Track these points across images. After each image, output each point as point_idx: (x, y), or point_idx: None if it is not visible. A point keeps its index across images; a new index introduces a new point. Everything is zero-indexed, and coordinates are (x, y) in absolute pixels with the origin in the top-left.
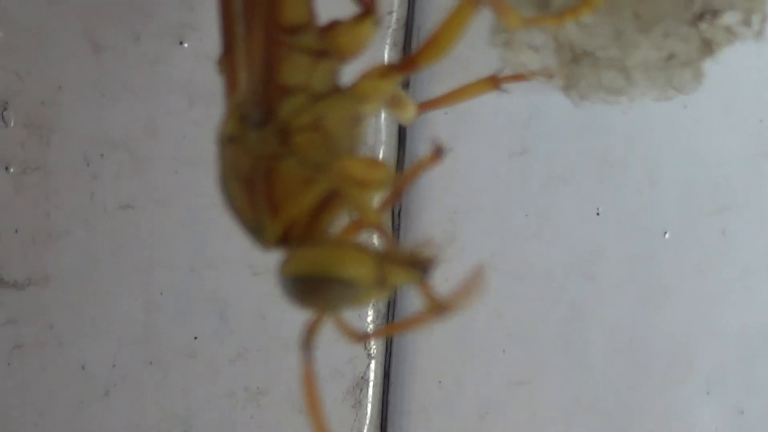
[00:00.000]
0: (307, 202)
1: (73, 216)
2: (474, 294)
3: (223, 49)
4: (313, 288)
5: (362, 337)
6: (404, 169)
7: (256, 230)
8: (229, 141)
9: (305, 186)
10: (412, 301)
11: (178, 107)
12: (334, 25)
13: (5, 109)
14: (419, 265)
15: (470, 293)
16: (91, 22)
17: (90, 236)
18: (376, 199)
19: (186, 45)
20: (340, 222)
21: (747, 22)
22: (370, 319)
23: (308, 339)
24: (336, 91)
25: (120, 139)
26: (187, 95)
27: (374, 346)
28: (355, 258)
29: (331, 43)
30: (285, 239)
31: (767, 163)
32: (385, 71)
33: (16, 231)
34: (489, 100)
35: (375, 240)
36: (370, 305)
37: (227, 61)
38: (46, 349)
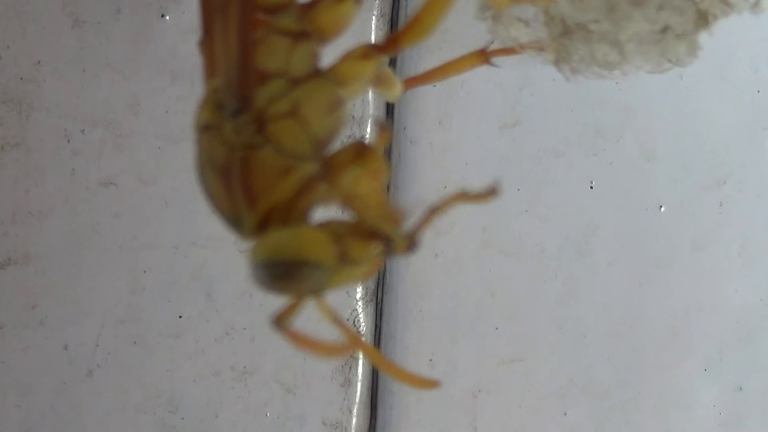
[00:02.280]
0: (283, 192)
1: (54, 193)
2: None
3: (203, 32)
4: (276, 273)
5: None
6: (392, 143)
7: (234, 221)
8: (204, 129)
9: (282, 176)
10: (401, 280)
11: (161, 82)
12: (314, 3)
13: None
14: (386, 237)
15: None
16: None
17: (72, 214)
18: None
19: (168, 18)
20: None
21: None
22: (359, 296)
23: (281, 322)
24: (315, 74)
25: (101, 115)
26: (170, 70)
27: (363, 324)
28: (309, 237)
29: (311, 23)
30: (263, 229)
31: (765, 134)
32: (367, 52)
33: None
34: (479, 72)
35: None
36: (358, 283)
37: (206, 44)
38: (27, 329)
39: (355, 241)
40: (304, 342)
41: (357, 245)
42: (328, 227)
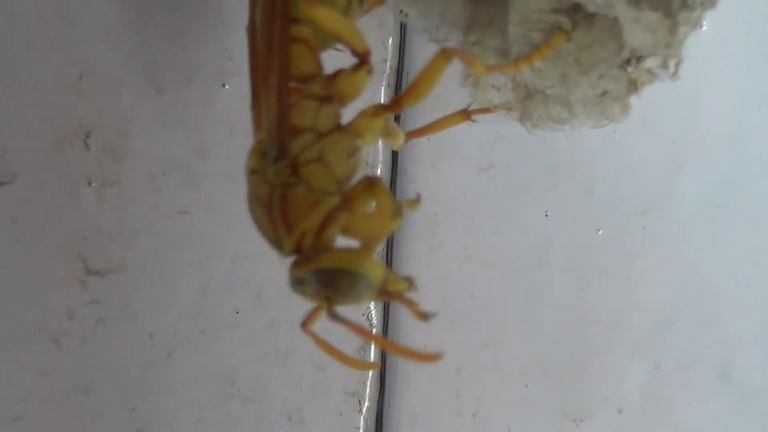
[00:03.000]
0: (313, 221)
1: (142, 220)
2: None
3: (252, 98)
4: (339, 279)
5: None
6: (396, 182)
7: (276, 242)
8: (252, 172)
9: (312, 208)
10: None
11: (222, 136)
12: (336, 74)
13: (88, 137)
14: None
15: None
16: (154, 70)
17: (155, 236)
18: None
19: (227, 87)
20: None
21: (665, 66)
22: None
23: (307, 324)
24: (337, 129)
25: (177, 160)
26: (229, 126)
27: (375, 318)
28: (374, 263)
29: (334, 89)
30: (298, 249)
31: (678, 175)
32: (377, 111)
33: (98, 232)
34: (462, 127)
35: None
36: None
37: (255, 107)
38: (122, 322)
39: (394, 276)
40: (327, 347)
41: (395, 279)
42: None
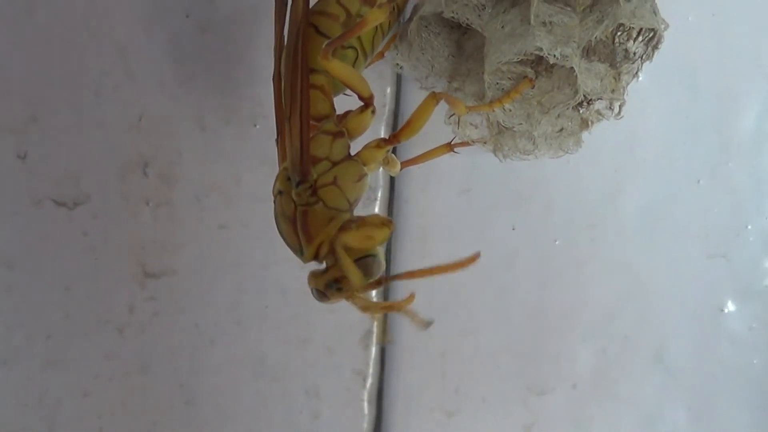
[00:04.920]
0: (329, 232)
1: (189, 232)
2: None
3: (277, 133)
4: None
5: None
6: (393, 202)
7: (298, 252)
8: (278, 194)
9: (328, 222)
10: (399, 285)
11: (254, 165)
12: (346, 114)
13: (146, 166)
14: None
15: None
16: (199, 113)
17: (200, 245)
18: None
19: (258, 126)
20: None
21: (611, 107)
22: (374, 294)
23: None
24: (348, 158)
25: (218, 185)
26: (259, 158)
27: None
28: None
29: (344, 126)
30: (316, 255)
31: (619, 196)
32: (379, 143)
33: (154, 242)
34: (446, 158)
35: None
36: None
37: (279, 141)
38: (173, 315)
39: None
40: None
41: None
42: None
